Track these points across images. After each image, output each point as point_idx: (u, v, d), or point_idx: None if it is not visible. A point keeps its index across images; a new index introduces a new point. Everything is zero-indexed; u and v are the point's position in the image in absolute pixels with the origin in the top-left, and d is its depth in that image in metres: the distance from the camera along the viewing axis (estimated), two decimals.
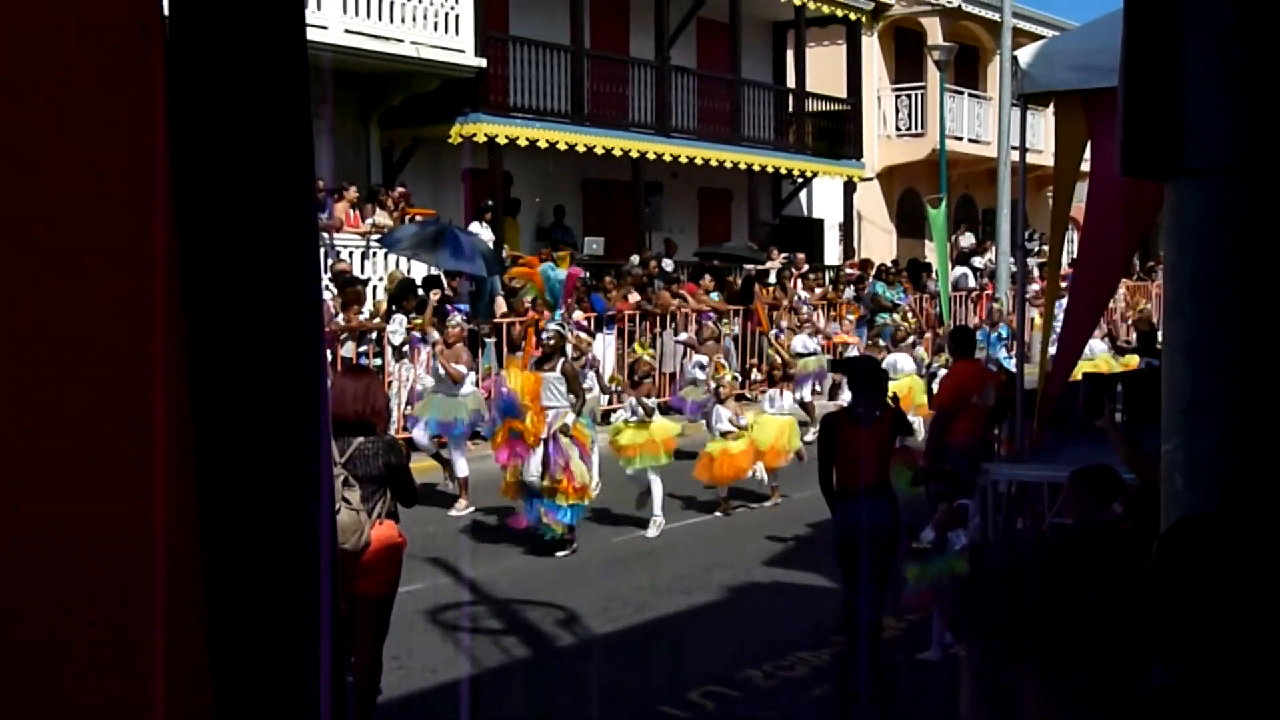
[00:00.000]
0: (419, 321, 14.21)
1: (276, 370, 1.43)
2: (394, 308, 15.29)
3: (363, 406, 6.17)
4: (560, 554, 10.78)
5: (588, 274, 19.55)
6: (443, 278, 15.79)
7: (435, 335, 13.39)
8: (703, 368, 15.51)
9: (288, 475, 1.44)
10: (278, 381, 1.43)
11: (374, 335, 15.07)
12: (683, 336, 17.81)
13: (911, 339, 18.17)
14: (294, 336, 1.45)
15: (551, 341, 11.30)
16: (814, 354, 17.65)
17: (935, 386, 11.94)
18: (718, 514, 12.69)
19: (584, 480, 10.87)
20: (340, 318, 14.62)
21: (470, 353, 13.83)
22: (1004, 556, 5.95)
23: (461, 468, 12.81)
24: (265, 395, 1.43)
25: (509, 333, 16.25)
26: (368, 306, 15.90)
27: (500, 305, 17.33)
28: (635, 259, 20.79)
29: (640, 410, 11.94)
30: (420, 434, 13.02)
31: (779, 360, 14.41)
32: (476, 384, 13.26)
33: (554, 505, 10.67)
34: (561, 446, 10.79)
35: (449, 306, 14.48)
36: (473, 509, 12.58)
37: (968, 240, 29.02)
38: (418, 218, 17.51)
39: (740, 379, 15.02)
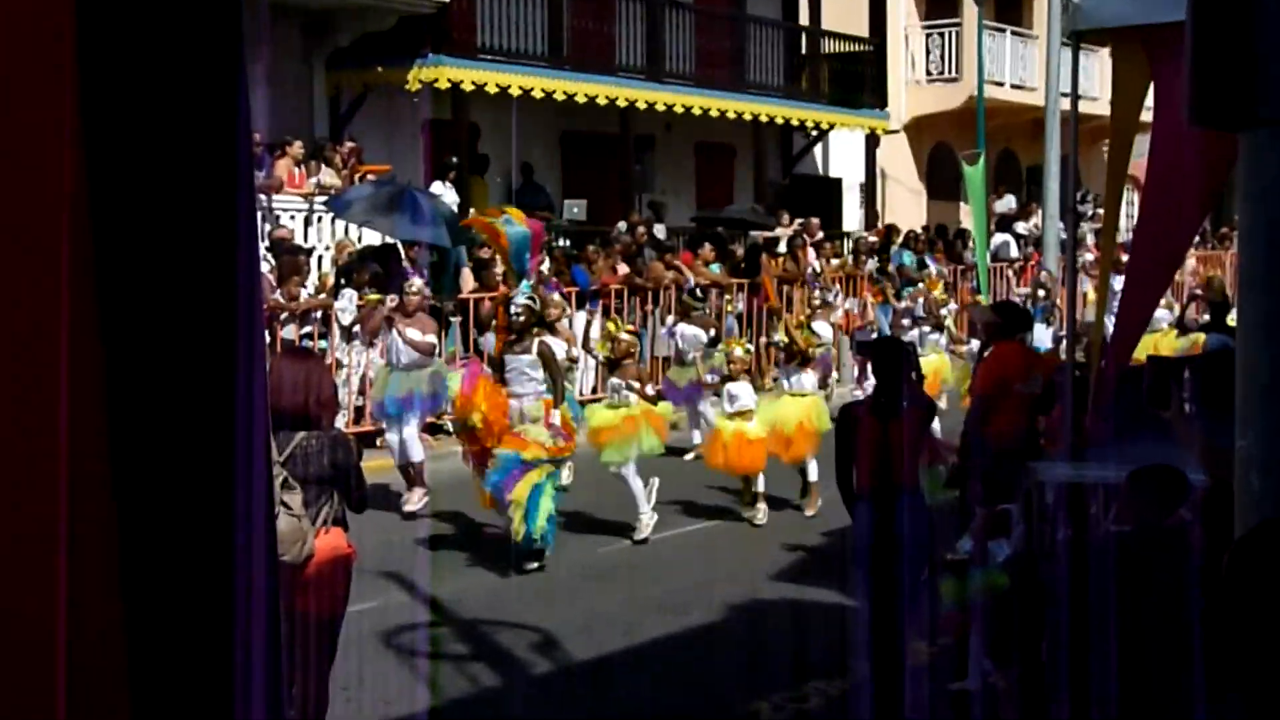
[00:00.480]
0: (371, 298, 14.18)
1: (205, 355, 1.43)
2: (342, 281, 15.26)
3: (305, 396, 6.16)
4: (531, 566, 10.75)
5: (567, 242, 19.53)
6: (399, 247, 15.76)
7: (389, 303, 13.32)
8: (687, 340, 15.31)
9: (217, 477, 1.43)
10: (206, 368, 1.43)
11: (319, 314, 15.05)
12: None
13: (944, 311, 18.16)
14: (225, 315, 1.44)
15: (521, 318, 11.02)
16: (825, 343, 17.59)
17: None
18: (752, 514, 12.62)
19: (542, 439, 10.72)
20: (279, 293, 14.59)
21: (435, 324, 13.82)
22: (1052, 570, 5.96)
23: (416, 451, 12.77)
24: (191, 385, 1.42)
25: (476, 310, 16.23)
26: (312, 280, 15.86)
27: (467, 279, 17.29)
28: (622, 225, 20.76)
29: (627, 394, 11.86)
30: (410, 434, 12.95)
31: (799, 345, 14.19)
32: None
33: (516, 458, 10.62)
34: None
35: (408, 271, 14.46)
36: (428, 499, 12.57)
37: (1009, 203, 29.04)
38: (370, 177, 17.49)
39: (751, 351, 14.91)
